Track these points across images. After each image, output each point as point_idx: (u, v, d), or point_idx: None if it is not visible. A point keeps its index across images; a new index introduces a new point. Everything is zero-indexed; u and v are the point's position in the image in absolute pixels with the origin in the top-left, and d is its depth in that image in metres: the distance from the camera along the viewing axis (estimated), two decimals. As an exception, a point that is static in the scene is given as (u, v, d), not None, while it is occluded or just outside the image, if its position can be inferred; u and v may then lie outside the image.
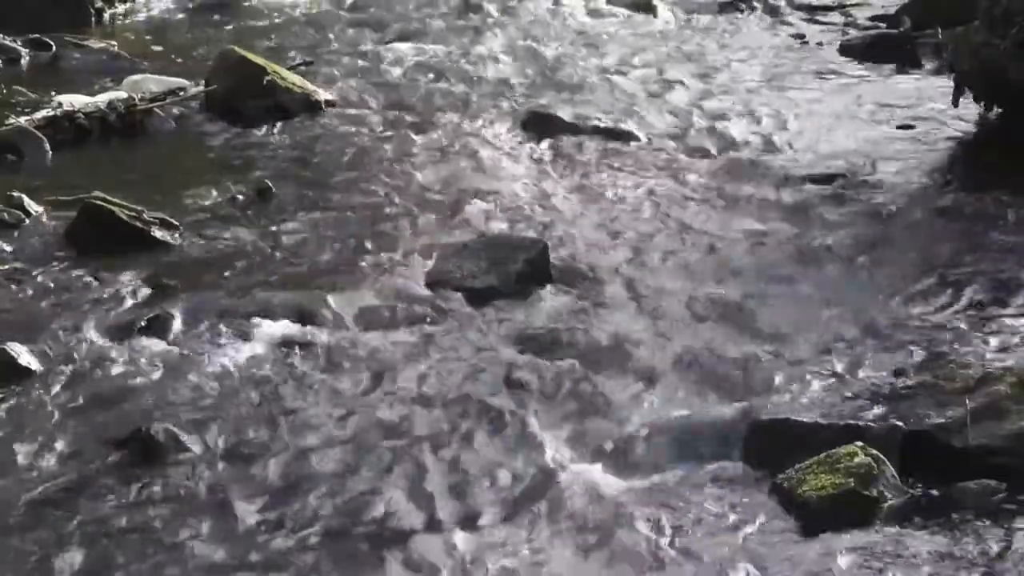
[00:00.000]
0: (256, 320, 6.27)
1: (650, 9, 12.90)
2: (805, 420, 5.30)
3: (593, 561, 4.63)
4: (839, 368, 5.82)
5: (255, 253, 7.16)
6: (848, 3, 13.10)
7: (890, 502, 4.84)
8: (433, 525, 4.80)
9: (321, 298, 6.51)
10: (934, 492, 4.89)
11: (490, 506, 4.91)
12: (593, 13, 12.78)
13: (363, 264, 6.96)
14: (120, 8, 12.48)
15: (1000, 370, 5.44)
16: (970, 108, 9.05)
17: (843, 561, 4.59)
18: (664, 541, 4.71)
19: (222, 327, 6.24)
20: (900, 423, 5.20)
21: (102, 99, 9.26)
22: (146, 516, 4.85)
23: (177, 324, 6.25)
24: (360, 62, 10.91)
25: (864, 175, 8.26)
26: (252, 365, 5.93)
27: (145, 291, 6.64)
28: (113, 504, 4.92)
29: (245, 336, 6.17)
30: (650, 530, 4.76)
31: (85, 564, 4.61)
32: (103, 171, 8.41)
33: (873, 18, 12.48)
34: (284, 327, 6.24)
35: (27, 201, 7.60)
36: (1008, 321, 6.21)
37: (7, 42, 11.02)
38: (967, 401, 5.21)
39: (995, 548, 4.61)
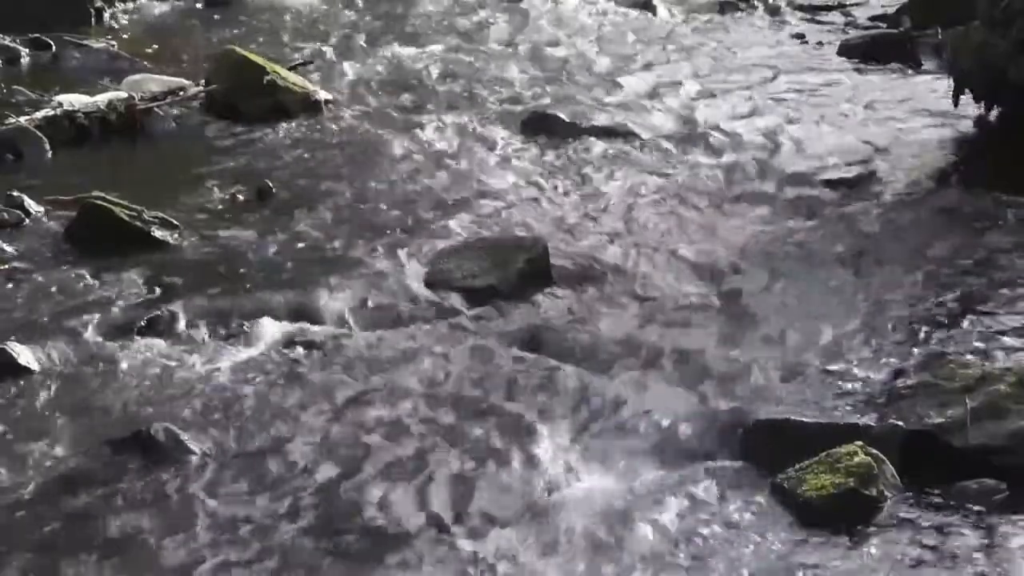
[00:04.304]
0: (256, 320, 6.28)
1: (650, 8, 12.92)
2: (805, 420, 5.30)
3: (592, 562, 4.63)
4: (839, 368, 5.82)
5: (255, 253, 7.16)
6: (848, 3, 13.11)
7: (890, 502, 4.84)
8: (433, 526, 4.79)
9: (321, 298, 6.52)
10: (934, 492, 4.90)
11: (489, 506, 4.91)
12: (593, 12, 12.79)
13: (363, 264, 6.96)
14: (120, 8, 12.48)
15: (1000, 370, 5.43)
16: (970, 108, 9.05)
17: (843, 561, 4.59)
18: (664, 541, 4.71)
19: (222, 327, 6.25)
20: (900, 423, 5.20)
21: (102, 99, 9.27)
22: (146, 516, 4.84)
23: (177, 324, 6.25)
24: (360, 62, 10.91)
25: (864, 175, 8.25)
26: (252, 365, 5.93)
27: (145, 291, 6.64)
28: (113, 504, 4.91)
29: (245, 336, 6.17)
30: (649, 530, 4.75)
31: (85, 564, 4.61)
32: (103, 171, 8.42)
33: (873, 18, 12.49)
34: (284, 327, 6.25)
35: (27, 201, 7.61)
36: (1008, 321, 6.21)
37: (7, 42, 11.03)
38: (967, 401, 5.21)
39: (995, 548, 4.61)
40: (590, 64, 10.92)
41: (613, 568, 4.59)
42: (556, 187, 8.17)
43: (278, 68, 9.89)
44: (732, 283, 6.77)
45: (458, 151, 8.81)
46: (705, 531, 4.76)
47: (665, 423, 5.40)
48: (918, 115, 9.47)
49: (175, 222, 7.39)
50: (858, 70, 10.78)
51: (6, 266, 6.92)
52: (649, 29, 12.19)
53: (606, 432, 5.39)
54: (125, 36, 11.79)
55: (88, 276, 6.79)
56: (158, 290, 6.64)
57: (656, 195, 8.02)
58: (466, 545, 4.69)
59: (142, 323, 6.25)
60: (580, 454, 5.23)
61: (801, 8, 12.99)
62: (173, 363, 5.93)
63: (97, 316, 6.35)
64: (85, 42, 11.33)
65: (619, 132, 9.11)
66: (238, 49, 10.13)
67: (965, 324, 6.18)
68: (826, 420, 5.31)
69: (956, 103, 9.01)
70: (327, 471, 5.11)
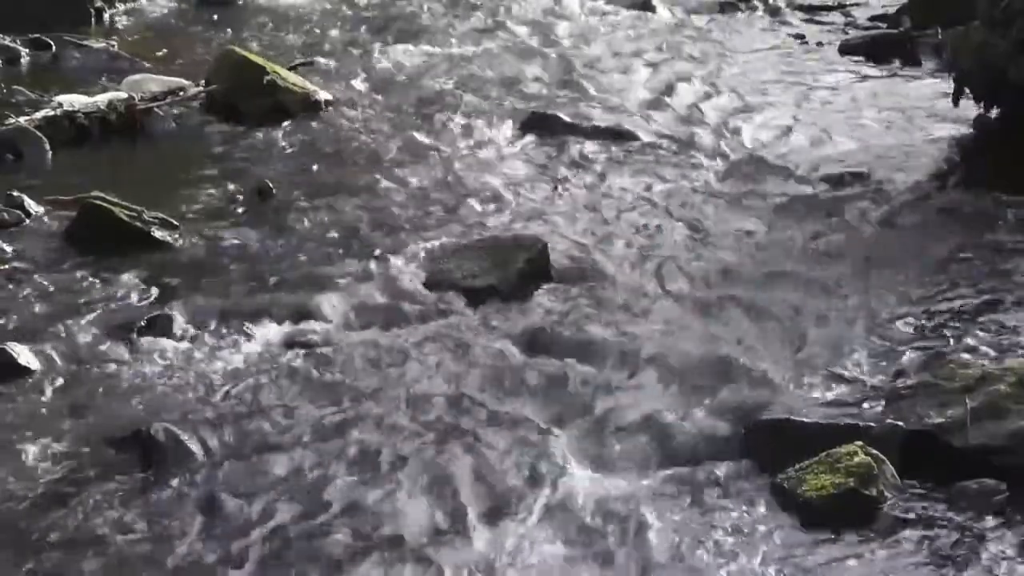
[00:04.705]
0: (256, 320, 6.28)
1: (650, 8, 12.92)
2: (805, 420, 5.31)
3: (592, 562, 4.63)
4: (839, 368, 5.82)
5: (255, 253, 7.16)
6: (848, 3, 13.12)
7: (890, 502, 4.84)
8: (432, 525, 4.79)
9: (321, 298, 6.51)
10: (934, 492, 4.90)
11: (489, 506, 4.91)
12: (592, 13, 12.79)
13: (363, 264, 6.96)
14: (120, 8, 12.48)
15: (1000, 370, 5.43)
16: (970, 108, 9.05)
17: (843, 561, 4.59)
18: (664, 541, 4.71)
19: (222, 327, 6.24)
20: (900, 423, 5.20)
21: (102, 99, 9.27)
22: (146, 516, 4.85)
23: (177, 324, 6.25)
24: (360, 62, 10.91)
25: (864, 175, 8.25)
26: (252, 365, 5.93)
27: (145, 291, 6.64)
28: (113, 504, 4.91)
29: (245, 336, 6.17)
30: (649, 530, 4.75)
31: (85, 564, 4.61)
32: (103, 171, 8.42)
33: (873, 18, 12.50)
34: (284, 327, 6.25)
35: (27, 201, 7.61)
36: (1008, 321, 6.21)
37: (7, 42, 11.03)
38: (967, 401, 5.21)
39: (995, 548, 4.61)
40: (590, 64, 10.92)
41: (613, 568, 4.59)
42: (556, 187, 8.17)
43: (278, 68, 9.89)
44: (732, 283, 6.77)
45: (458, 151, 8.81)
46: (705, 531, 4.76)
47: (665, 423, 5.40)
48: (918, 115, 9.47)
49: (175, 222, 7.39)
50: (858, 70, 10.78)
51: (6, 266, 6.92)
52: (649, 29, 12.19)
53: (606, 432, 5.38)
54: (125, 36, 11.80)
55: (88, 276, 6.79)
56: (158, 290, 6.64)
57: (655, 195, 8.02)
58: (465, 545, 4.69)
59: (142, 323, 6.25)
60: (580, 454, 5.23)
61: (801, 8, 13.00)
62: (173, 363, 5.93)
63: (97, 316, 6.35)
64: (85, 42, 11.33)
65: (619, 132, 9.11)
66: (238, 49, 10.14)
67: (965, 324, 6.18)
68: (826, 420, 5.31)
69: (956, 103, 9.01)
70: (327, 471, 5.11)
